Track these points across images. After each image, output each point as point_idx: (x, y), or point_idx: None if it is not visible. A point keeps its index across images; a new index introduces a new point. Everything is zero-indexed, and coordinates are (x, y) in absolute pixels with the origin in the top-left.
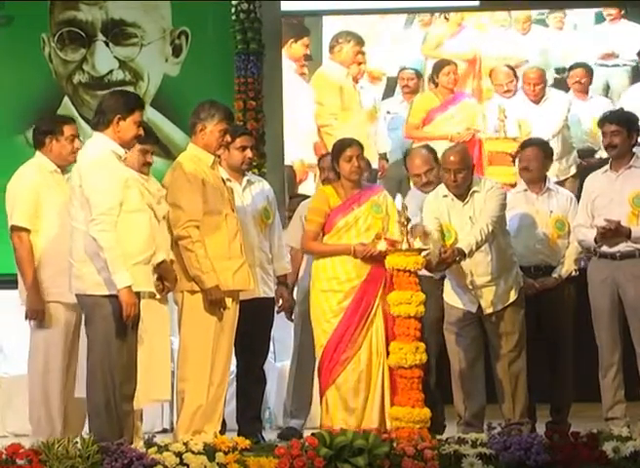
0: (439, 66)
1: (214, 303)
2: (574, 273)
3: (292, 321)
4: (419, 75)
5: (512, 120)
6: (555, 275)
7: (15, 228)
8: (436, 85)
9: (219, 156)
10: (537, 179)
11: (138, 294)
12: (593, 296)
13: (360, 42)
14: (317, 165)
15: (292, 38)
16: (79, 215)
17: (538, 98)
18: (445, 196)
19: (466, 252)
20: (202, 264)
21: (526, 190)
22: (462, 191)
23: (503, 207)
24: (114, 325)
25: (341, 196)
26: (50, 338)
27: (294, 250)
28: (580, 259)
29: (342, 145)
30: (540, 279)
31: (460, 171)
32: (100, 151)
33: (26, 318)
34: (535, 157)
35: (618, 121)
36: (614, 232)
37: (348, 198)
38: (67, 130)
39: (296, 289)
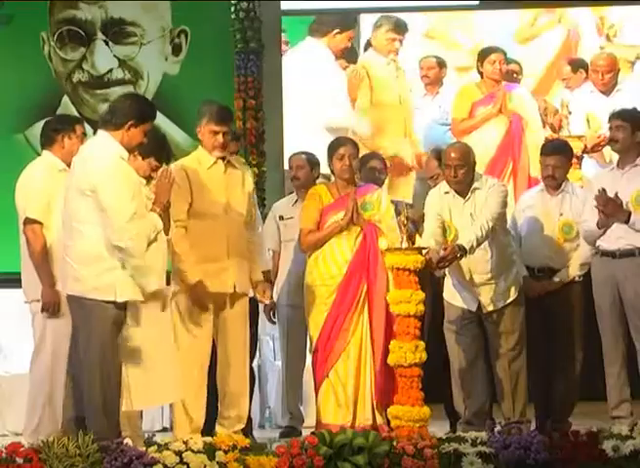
0: (484, 53)
1: (195, 301)
2: (577, 278)
3: (273, 322)
4: (441, 64)
5: (579, 115)
6: (557, 279)
7: (28, 221)
8: (481, 75)
9: (224, 158)
10: (560, 184)
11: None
12: (596, 294)
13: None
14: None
15: (337, 28)
16: (86, 218)
17: (607, 88)
18: (446, 192)
19: (467, 248)
20: (184, 262)
21: (542, 190)
22: (464, 187)
23: (504, 204)
24: (111, 327)
25: (334, 195)
26: (58, 329)
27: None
28: (586, 264)
29: (337, 144)
30: (542, 282)
31: (461, 167)
32: (111, 157)
33: (42, 310)
34: (560, 164)
35: (623, 117)
36: (613, 205)
37: (342, 196)
38: (79, 128)
39: (279, 290)
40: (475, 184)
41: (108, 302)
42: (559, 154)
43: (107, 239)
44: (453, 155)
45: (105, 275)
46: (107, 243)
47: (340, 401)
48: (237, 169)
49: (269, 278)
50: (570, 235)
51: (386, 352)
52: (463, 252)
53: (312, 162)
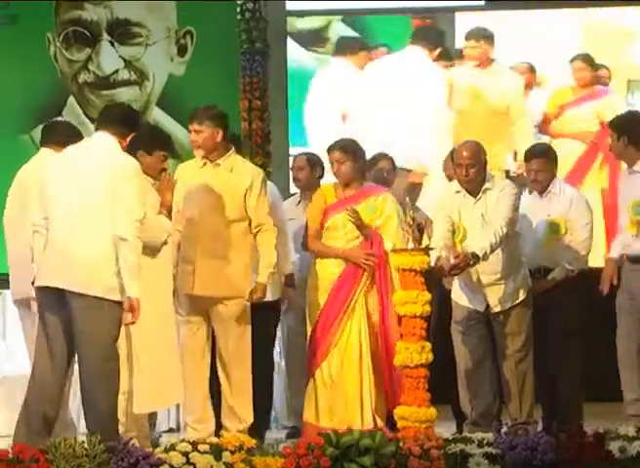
0: (572, 60)
1: None
2: (571, 274)
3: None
4: (531, 69)
5: None
6: (549, 277)
7: None
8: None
9: (208, 159)
10: (547, 187)
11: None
12: (618, 295)
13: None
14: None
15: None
16: (101, 215)
17: None
18: (457, 192)
19: (480, 255)
20: None
21: (533, 193)
22: (475, 187)
23: (516, 207)
24: (118, 328)
25: (339, 195)
26: None
27: None
28: (579, 260)
29: (327, 149)
30: (539, 282)
31: (472, 166)
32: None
33: None
34: (541, 168)
35: (610, 124)
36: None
37: (347, 198)
38: None
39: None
40: (487, 185)
41: (118, 303)
42: (540, 158)
43: (112, 230)
44: (464, 154)
45: (118, 275)
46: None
47: (321, 402)
48: (229, 171)
49: (292, 282)
50: (558, 234)
51: None
52: (476, 259)
53: (312, 162)
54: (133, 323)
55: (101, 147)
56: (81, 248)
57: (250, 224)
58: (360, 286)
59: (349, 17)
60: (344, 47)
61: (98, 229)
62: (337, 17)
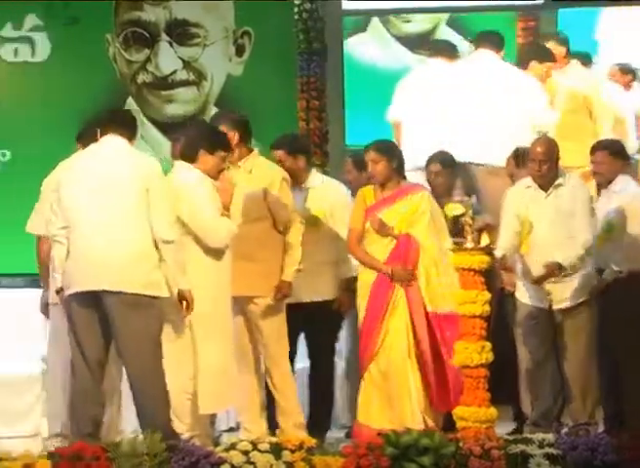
0: None
1: None
2: (619, 275)
3: None
4: (623, 71)
5: None
6: (601, 278)
7: None
8: None
9: (230, 162)
10: (609, 182)
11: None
12: None
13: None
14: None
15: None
16: (137, 215)
17: None
18: (528, 187)
19: (565, 265)
20: None
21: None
22: (546, 182)
23: (593, 210)
24: (161, 324)
25: (377, 196)
26: None
27: None
28: (628, 261)
29: (363, 150)
30: None
31: (545, 162)
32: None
33: None
34: (603, 160)
35: None
36: None
37: (384, 198)
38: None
39: None
40: (559, 180)
41: (156, 298)
42: (602, 150)
43: (155, 234)
44: (538, 149)
45: (156, 271)
46: (154, 239)
47: (372, 403)
48: (248, 172)
49: (347, 286)
50: (610, 234)
51: (434, 355)
52: (561, 270)
53: (359, 164)
54: (189, 312)
55: (120, 150)
56: (111, 249)
57: (275, 223)
58: (396, 287)
59: (455, 20)
60: (440, 50)
61: (128, 230)
62: (444, 20)
